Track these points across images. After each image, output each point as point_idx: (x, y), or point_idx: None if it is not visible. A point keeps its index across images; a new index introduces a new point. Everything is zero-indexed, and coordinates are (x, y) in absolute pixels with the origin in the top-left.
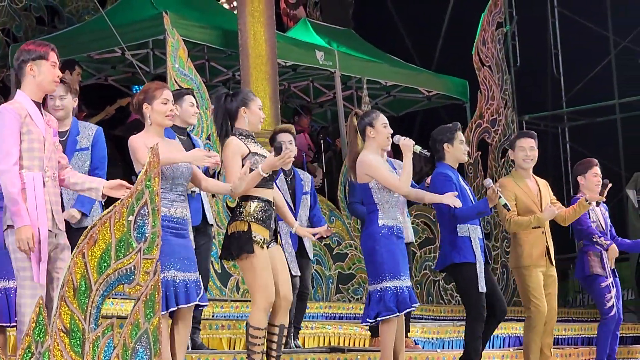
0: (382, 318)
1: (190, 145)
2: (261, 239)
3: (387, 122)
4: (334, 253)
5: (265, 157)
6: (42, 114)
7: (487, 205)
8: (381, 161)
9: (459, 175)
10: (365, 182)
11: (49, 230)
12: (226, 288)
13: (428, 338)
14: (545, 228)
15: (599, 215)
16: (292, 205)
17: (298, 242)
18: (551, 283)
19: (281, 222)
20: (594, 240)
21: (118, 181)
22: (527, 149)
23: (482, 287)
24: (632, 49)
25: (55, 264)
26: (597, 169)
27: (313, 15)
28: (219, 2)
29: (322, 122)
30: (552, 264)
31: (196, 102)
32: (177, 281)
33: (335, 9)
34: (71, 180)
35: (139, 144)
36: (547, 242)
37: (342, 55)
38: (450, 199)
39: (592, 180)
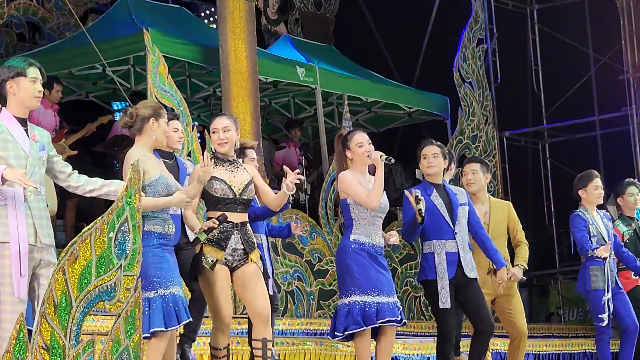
0: (350, 332)
1: (175, 167)
2: (212, 260)
3: (365, 139)
4: (314, 269)
5: (224, 181)
6: (27, 129)
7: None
8: (356, 177)
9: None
10: (344, 198)
11: (33, 245)
12: None
13: (409, 354)
14: None
15: (601, 228)
16: None
17: None
18: (515, 301)
19: None
20: (589, 255)
21: None
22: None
23: (444, 304)
24: (611, 66)
25: (39, 280)
26: (598, 181)
27: (294, 31)
28: (200, 19)
29: (304, 139)
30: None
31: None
32: (181, 296)
33: (316, 25)
34: (87, 188)
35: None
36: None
37: (322, 71)
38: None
39: (594, 193)
